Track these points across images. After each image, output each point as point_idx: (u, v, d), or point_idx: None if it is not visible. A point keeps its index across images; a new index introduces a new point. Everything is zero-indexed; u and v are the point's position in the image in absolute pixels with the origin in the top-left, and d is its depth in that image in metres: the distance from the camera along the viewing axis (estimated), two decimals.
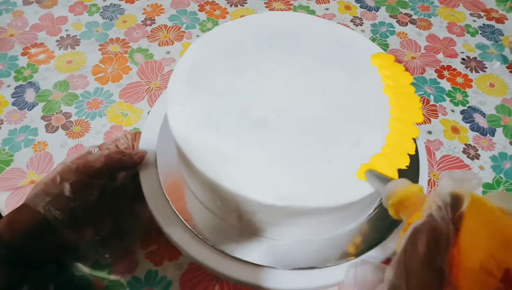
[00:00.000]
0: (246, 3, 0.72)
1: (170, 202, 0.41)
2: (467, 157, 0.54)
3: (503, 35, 0.69)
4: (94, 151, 0.42)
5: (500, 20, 0.72)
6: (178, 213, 0.40)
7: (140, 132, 0.47)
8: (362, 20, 0.70)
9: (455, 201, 0.22)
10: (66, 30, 0.65)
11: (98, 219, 0.41)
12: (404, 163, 0.36)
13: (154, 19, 0.68)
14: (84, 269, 0.43)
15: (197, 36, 0.66)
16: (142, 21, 0.68)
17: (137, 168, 0.43)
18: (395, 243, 0.40)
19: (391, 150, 0.36)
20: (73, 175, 0.38)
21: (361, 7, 0.73)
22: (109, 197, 0.42)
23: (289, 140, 0.36)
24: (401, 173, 0.35)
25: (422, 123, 0.56)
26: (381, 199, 0.41)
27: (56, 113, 0.55)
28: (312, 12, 0.71)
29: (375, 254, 0.39)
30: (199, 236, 0.39)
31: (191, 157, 0.35)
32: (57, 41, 0.64)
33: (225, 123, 0.37)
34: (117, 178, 0.41)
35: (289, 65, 0.43)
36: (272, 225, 0.37)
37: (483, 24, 0.71)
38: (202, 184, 0.36)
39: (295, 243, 0.39)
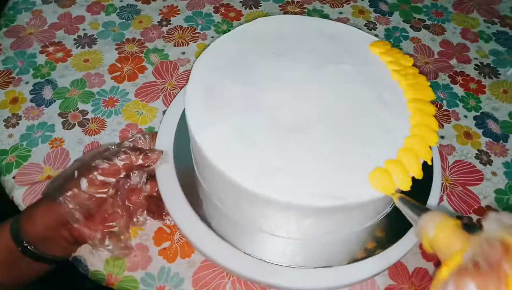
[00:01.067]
0: (261, 5, 0.73)
1: (186, 200, 0.41)
2: (480, 162, 0.54)
3: None
4: (112, 148, 0.43)
5: None
6: (194, 211, 0.41)
7: (157, 133, 0.47)
8: (376, 24, 0.71)
9: (504, 246, 0.21)
10: (84, 30, 0.67)
11: (111, 216, 0.42)
12: (428, 156, 0.36)
13: (170, 20, 0.69)
14: (98, 264, 0.44)
15: (212, 37, 0.67)
16: (158, 22, 0.69)
17: (153, 168, 0.43)
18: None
19: (415, 141, 0.37)
20: (91, 171, 0.39)
21: (375, 11, 0.73)
22: (123, 194, 0.42)
23: (323, 141, 0.37)
24: (416, 180, 0.36)
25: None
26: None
27: (73, 110, 0.56)
28: (326, 16, 0.72)
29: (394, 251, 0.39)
30: (215, 232, 0.39)
31: (236, 178, 0.34)
32: (74, 40, 0.65)
33: (258, 137, 0.37)
34: (132, 178, 0.42)
35: (297, 68, 0.43)
36: (291, 224, 0.38)
37: (497, 31, 0.71)
38: (236, 192, 0.37)
39: (311, 241, 0.39)
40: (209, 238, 0.39)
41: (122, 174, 0.40)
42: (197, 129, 0.37)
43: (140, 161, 0.41)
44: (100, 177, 0.39)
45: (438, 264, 0.44)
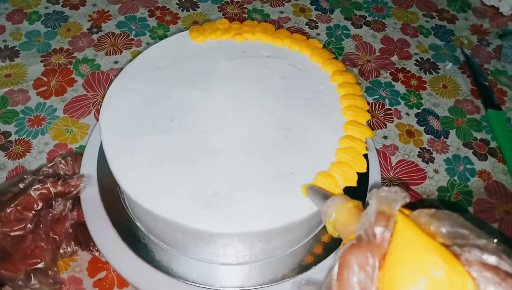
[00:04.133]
0: (199, 7, 0.70)
1: (114, 230, 0.38)
2: (422, 161, 0.54)
3: (454, 36, 0.70)
4: (28, 177, 0.39)
5: (451, 20, 0.73)
6: (122, 241, 0.38)
7: (81, 154, 0.44)
8: (317, 23, 0.70)
9: (382, 220, 0.21)
10: (4, 41, 0.61)
11: (34, 251, 0.38)
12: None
13: (101, 27, 0.65)
14: None
15: (147, 43, 0.63)
16: (87, 29, 0.64)
17: (77, 193, 0.40)
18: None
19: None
20: (2, 209, 0.35)
21: (316, 9, 0.72)
22: (46, 226, 0.39)
23: (250, 163, 0.35)
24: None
25: (377, 128, 0.56)
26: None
27: None
28: (267, 16, 0.70)
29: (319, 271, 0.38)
30: (148, 263, 0.37)
31: (169, 216, 0.32)
32: None
33: (183, 166, 0.34)
34: (55, 206, 0.39)
35: (219, 88, 0.41)
36: (237, 250, 0.36)
37: (436, 25, 0.72)
38: (152, 219, 0.34)
39: (241, 264, 0.38)
40: (142, 270, 0.37)
41: (39, 206, 0.37)
42: (116, 164, 0.34)
43: (59, 188, 0.37)
44: (14, 213, 0.35)
45: None
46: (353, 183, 0.34)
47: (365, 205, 0.24)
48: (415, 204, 0.50)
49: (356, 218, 0.24)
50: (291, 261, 0.39)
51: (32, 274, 0.38)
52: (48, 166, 0.41)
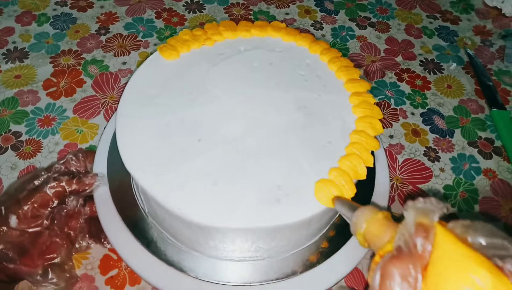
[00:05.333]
0: (205, 9, 0.71)
1: (125, 225, 0.39)
2: (428, 159, 0.54)
3: (458, 36, 0.71)
4: (42, 174, 0.39)
5: (455, 21, 0.74)
6: (133, 236, 0.38)
7: (94, 151, 0.44)
8: (322, 24, 0.70)
9: (422, 231, 0.22)
10: (13, 42, 0.62)
11: (51, 247, 0.39)
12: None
13: (109, 28, 0.65)
14: None
15: (155, 44, 0.64)
16: (96, 31, 0.65)
17: (91, 193, 0.40)
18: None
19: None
20: (19, 206, 0.36)
21: (321, 11, 0.73)
22: (61, 222, 0.39)
23: (262, 159, 0.35)
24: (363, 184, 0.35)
25: (383, 128, 0.57)
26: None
27: (5, 132, 0.52)
28: (272, 17, 0.70)
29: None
30: (160, 259, 0.37)
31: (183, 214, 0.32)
32: (3, 54, 0.60)
33: (197, 163, 0.35)
34: (68, 202, 0.39)
35: (234, 83, 0.41)
36: (244, 246, 0.36)
37: (439, 26, 0.72)
38: (165, 213, 0.35)
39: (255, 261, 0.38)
40: (154, 266, 0.37)
41: (55, 203, 0.37)
42: (131, 162, 0.35)
43: (74, 187, 0.38)
44: (31, 210, 0.36)
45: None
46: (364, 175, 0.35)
47: (393, 216, 0.25)
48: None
49: (387, 228, 0.25)
50: (300, 258, 0.39)
51: (49, 269, 0.38)
52: (60, 163, 0.41)
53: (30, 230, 0.36)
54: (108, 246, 0.43)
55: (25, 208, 0.36)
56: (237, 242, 0.36)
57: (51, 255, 0.39)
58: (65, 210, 0.40)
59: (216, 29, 0.46)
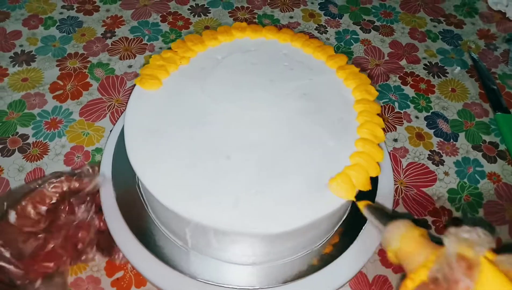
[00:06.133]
0: (210, 12, 0.71)
1: (132, 233, 0.39)
2: (432, 163, 0.55)
3: (462, 40, 0.71)
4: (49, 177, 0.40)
5: (459, 25, 0.74)
6: (142, 244, 0.39)
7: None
8: (327, 28, 0.71)
9: (464, 266, 0.20)
10: (21, 46, 0.62)
11: (49, 256, 0.38)
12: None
13: (115, 32, 0.66)
14: None
15: (160, 48, 0.64)
16: (101, 34, 0.65)
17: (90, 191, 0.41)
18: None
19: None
20: (19, 202, 0.36)
21: (325, 14, 0.73)
22: (68, 234, 0.40)
23: (272, 164, 0.36)
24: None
25: (387, 131, 0.57)
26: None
27: (12, 135, 0.52)
28: (277, 21, 0.71)
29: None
30: (166, 264, 0.38)
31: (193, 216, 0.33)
32: (10, 57, 0.61)
33: (205, 167, 0.36)
34: (78, 212, 0.39)
35: (243, 91, 0.42)
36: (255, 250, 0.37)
37: (443, 30, 0.73)
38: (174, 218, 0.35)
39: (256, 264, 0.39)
40: (160, 269, 0.37)
41: (53, 200, 0.37)
42: (141, 166, 0.35)
43: (73, 184, 0.38)
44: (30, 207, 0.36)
45: (397, 271, 0.44)
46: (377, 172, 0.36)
47: (432, 237, 0.23)
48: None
49: (423, 248, 0.23)
50: (304, 261, 0.40)
51: (40, 278, 0.38)
52: (75, 171, 0.42)
53: (27, 229, 0.36)
54: (117, 262, 0.43)
55: (23, 203, 0.36)
56: (251, 246, 0.36)
57: (47, 264, 0.38)
58: (75, 222, 0.40)
59: (185, 46, 0.45)
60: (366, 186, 0.35)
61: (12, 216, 0.36)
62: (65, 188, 0.38)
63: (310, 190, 0.34)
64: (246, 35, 0.48)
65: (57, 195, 0.38)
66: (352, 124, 0.40)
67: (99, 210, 0.42)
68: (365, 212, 0.32)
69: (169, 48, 0.46)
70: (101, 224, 0.41)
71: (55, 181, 0.38)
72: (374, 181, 0.41)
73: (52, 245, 0.38)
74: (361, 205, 0.33)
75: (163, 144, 0.37)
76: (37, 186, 0.38)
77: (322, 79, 0.44)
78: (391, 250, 0.25)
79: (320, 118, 0.40)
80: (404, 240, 0.25)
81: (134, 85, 0.42)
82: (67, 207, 0.38)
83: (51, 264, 0.38)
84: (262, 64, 0.45)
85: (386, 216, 0.28)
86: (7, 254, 0.35)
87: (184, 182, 0.34)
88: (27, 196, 0.37)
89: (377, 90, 0.61)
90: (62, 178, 0.38)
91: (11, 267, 0.36)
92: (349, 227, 0.42)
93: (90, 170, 0.42)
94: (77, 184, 0.39)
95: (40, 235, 0.37)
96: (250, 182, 0.35)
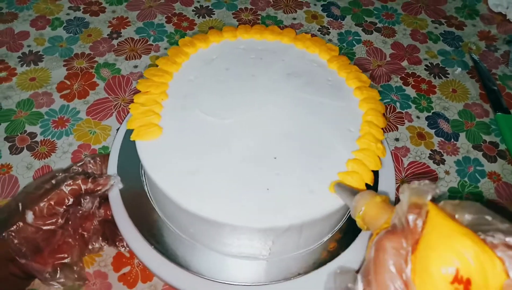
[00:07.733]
0: (214, 14, 0.72)
1: (137, 225, 0.40)
2: (433, 162, 0.55)
3: (462, 41, 0.72)
4: (59, 175, 0.41)
5: (460, 26, 0.75)
6: (147, 237, 0.40)
7: (109, 154, 0.46)
8: (329, 29, 0.72)
9: (415, 209, 0.23)
10: (28, 46, 0.63)
11: (62, 247, 0.40)
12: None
13: (121, 32, 0.67)
14: None
15: (165, 48, 0.65)
16: (108, 35, 0.66)
17: (106, 192, 0.42)
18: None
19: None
20: (36, 203, 0.37)
21: (327, 16, 0.74)
22: (75, 223, 0.41)
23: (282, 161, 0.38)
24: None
25: (389, 131, 0.58)
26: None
27: (20, 133, 0.53)
28: (280, 22, 0.72)
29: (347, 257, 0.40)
30: (171, 258, 0.39)
31: (206, 214, 0.34)
32: (18, 57, 0.62)
33: (214, 166, 0.37)
34: (83, 204, 0.40)
35: (252, 92, 0.44)
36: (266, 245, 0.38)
37: (444, 31, 0.74)
38: (181, 213, 0.36)
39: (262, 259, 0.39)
40: (166, 264, 0.38)
41: (70, 201, 0.38)
42: (152, 166, 0.37)
43: (89, 186, 0.39)
44: (47, 207, 0.37)
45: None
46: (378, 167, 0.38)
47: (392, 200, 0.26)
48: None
49: (384, 211, 0.26)
50: (308, 258, 0.40)
51: (58, 269, 0.39)
52: (78, 165, 0.43)
53: (45, 227, 0.38)
54: (122, 250, 0.44)
55: (41, 204, 0.37)
56: (257, 240, 0.37)
57: (62, 255, 0.40)
58: (80, 212, 0.41)
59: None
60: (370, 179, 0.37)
61: (30, 216, 0.37)
62: (82, 190, 0.39)
63: (315, 186, 0.36)
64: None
65: (73, 196, 0.39)
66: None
67: (104, 201, 0.43)
68: (336, 189, 0.35)
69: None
70: (108, 212, 0.42)
71: (71, 183, 0.39)
72: (375, 179, 0.42)
73: (63, 237, 0.39)
74: (332, 184, 0.36)
75: (171, 141, 0.38)
76: (51, 186, 0.39)
77: (316, 69, 0.47)
78: (359, 216, 0.29)
79: (322, 111, 0.43)
80: (368, 206, 0.28)
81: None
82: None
83: (65, 255, 0.39)
84: (257, 66, 0.47)
85: (354, 192, 0.31)
86: (26, 252, 0.37)
87: (192, 179, 0.36)
88: (44, 197, 0.38)
89: (379, 91, 0.62)
90: (79, 180, 0.39)
91: (31, 263, 0.37)
92: (353, 224, 0.42)
93: (92, 161, 0.43)
94: (92, 186, 0.40)
95: (57, 231, 0.39)
96: (257, 177, 0.36)
